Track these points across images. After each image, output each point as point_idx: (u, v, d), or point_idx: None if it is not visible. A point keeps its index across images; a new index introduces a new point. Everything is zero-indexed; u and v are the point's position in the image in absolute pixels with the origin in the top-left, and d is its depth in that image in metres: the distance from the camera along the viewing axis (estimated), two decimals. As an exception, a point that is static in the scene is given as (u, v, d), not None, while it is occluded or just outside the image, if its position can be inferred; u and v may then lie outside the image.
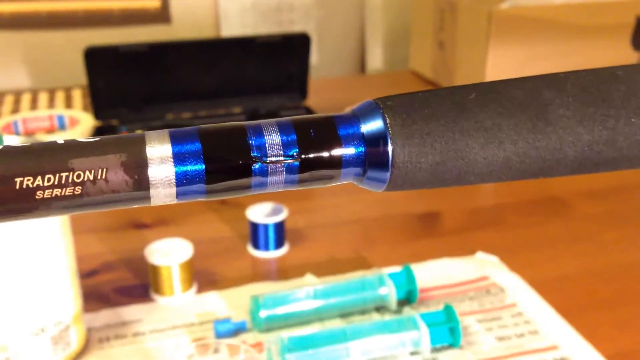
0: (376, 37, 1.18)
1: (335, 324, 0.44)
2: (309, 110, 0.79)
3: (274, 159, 0.15)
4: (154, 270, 0.46)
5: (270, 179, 0.15)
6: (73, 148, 0.14)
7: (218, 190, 0.15)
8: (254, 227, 0.52)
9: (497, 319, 0.44)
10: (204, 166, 0.15)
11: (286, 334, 0.41)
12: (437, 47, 0.92)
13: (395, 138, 0.16)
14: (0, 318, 0.37)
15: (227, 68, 0.79)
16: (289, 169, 0.15)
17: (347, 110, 0.17)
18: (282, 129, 0.15)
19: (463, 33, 0.86)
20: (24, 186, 0.13)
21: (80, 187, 0.14)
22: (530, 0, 0.84)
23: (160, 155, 0.14)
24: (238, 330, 0.43)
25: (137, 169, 0.14)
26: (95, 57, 0.70)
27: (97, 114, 0.75)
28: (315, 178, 0.16)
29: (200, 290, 0.48)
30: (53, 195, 0.13)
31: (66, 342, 0.40)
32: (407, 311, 0.45)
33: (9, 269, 0.36)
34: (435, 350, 0.41)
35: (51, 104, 0.86)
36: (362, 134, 0.16)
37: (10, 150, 0.14)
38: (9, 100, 0.86)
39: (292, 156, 0.15)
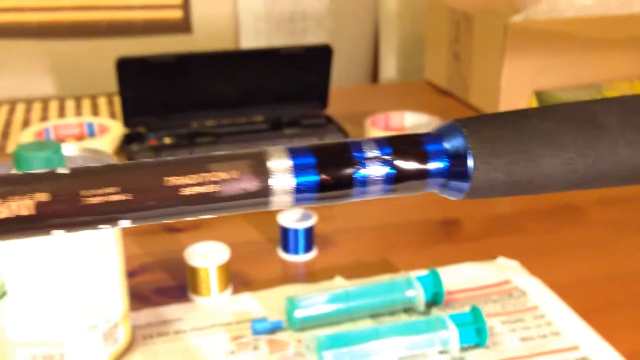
0: (390, 47, 1.20)
1: (366, 324, 0.46)
2: (329, 119, 0.82)
3: (373, 170, 0.18)
4: (193, 271, 0.49)
5: (369, 188, 0.18)
6: (211, 157, 0.17)
7: (326, 197, 0.18)
8: (285, 231, 0.55)
9: (520, 321, 0.47)
10: (318, 177, 0.17)
11: (321, 332, 0.44)
12: (452, 58, 0.95)
13: (474, 153, 0.18)
14: (57, 316, 0.39)
15: (251, 78, 0.81)
16: (386, 180, 0.18)
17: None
18: (379, 145, 0.18)
19: (479, 45, 0.88)
20: (171, 184, 0.16)
21: (216, 186, 0.16)
22: (543, 13, 0.87)
23: (281, 168, 0.17)
24: (274, 329, 0.45)
25: (261, 177, 0.17)
26: (126, 67, 0.73)
27: (126, 122, 0.77)
28: (405, 188, 0.18)
29: (236, 291, 0.50)
30: (193, 191, 0.16)
31: (115, 338, 0.42)
32: (435, 312, 0.47)
33: (68, 270, 0.39)
34: (462, 349, 0.43)
35: (78, 111, 0.89)
36: (446, 150, 0.19)
37: (162, 161, 0.17)
38: (37, 107, 0.89)
39: (389, 168, 0.18)
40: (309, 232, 0.55)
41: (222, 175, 0.16)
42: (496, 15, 0.87)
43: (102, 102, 0.92)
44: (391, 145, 0.18)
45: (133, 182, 0.16)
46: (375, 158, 0.18)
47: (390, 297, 0.47)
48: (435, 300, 0.48)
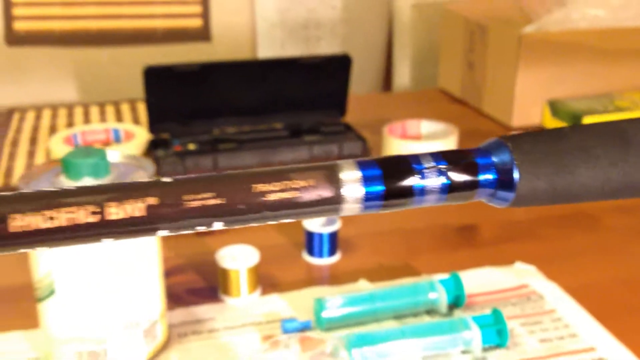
0: (404, 56, 1.23)
1: (390, 325, 0.48)
2: (347, 127, 0.84)
3: (430, 181, 0.20)
4: (224, 273, 0.51)
5: (426, 197, 0.20)
6: (291, 168, 0.19)
7: (390, 205, 0.20)
8: (310, 235, 0.57)
9: (538, 323, 0.49)
10: (384, 187, 0.20)
11: (349, 331, 0.46)
12: (466, 67, 0.97)
13: (519, 166, 0.20)
14: (102, 314, 0.42)
15: (271, 86, 0.83)
16: (441, 190, 0.20)
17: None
18: (435, 158, 0.20)
19: (493, 54, 0.90)
20: (258, 190, 0.18)
21: (296, 192, 0.18)
22: (555, 24, 0.89)
23: (351, 178, 0.19)
24: (304, 328, 0.48)
25: (335, 186, 0.19)
26: (152, 75, 0.76)
27: (151, 128, 0.80)
28: (457, 197, 0.21)
29: (264, 292, 0.52)
30: (277, 197, 0.18)
31: (154, 335, 0.44)
32: (457, 314, 0.49)
33: (112, 271, 0.41)
34: (484, 350, 0.45)
35: (102, 117, 0.91)
36: (494, 163, 0.21)
37: (250, 171, 0.19)
38: (62, 113, 0.92)
39: (444, 179, 0.20)
40: (333, 236, 0.57)
41: (301, 183, 0.19)
42: (510, 25, 0.89)
43: (125, 108, 0.94)
44: (446, 159, 0.20)
45: (226, 189, 0.18)
46: (432, 170, 0.20)
47: (414, 299, 0.49)
48: (456, 302, 0.50)
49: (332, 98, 0.85)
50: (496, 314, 0.46)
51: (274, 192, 0.18)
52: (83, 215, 0.17)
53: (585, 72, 0.89)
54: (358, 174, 0.19)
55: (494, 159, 0.21)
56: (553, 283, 0.53)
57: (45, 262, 0.41)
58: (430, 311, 0.50)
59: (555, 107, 0.87)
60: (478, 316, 0.46)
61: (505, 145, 0.21)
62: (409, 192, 0.20)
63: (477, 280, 0.54)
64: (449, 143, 0.77)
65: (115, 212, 0.17)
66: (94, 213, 0.17)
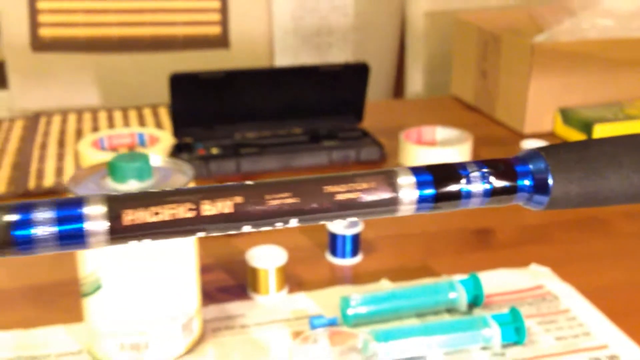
0: (417, 64, 1.26)
1: (413, 322, 0.51)
2: (364, 132, 0.87)
3: (475, 186, 0.22)
4: (253, 272, 0.54)
5: (471, 200, 0.23)
6: (355, 173, 0.22)
7: (439, 207, 0.22)
8: (334, 237, 0.60)
9: (553, 322, 0.51)
10: (435, 191, 0.22)
11: (374, 328, 0.48)
12: (479, 75, 1.00)
13: (553, 172, 0.23)
14: (144, 308, 0.44)
15: (291, 92, 0.86)
16: (484, 194, 0.23)
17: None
18: (479, 166, 0.23)
19: (506, 63, 0.93)
20: (328, 191, 0.21)
21: (360, 193, 0.21)
22: (565, 33, 0.91)
23: (407, 183, 0.22)
24: (330, 325, 0.50)
25: (392, 189, 0.22)
26: (178, 82, 0.78)
27: (175, 132, 0.82)
28: (498, 201, 0.23)
29: (291, 290, 0.55)
30: (344, 197, 0.21)
31: (190, 329, 0.47)
32: (476, 313, 0.52)
33: (154, 268, 0.44)
34: (503, 346, 0.48)
35: (125, 121, 0.94)
36: (531, 170, 0.24)
37: (321, 176, 0.22)
38: (87, 117, 0.95)
39: (487, 184, 0.23)
40: (355, 238, 0.60)
41: (364, 185, 0.21)
42: (522, 34, 0.91)
43: (147, 113, 0.97)
44: (488, 167, 0.23)
45: (301, 189, 0.21)
46: (477, 176, 0.23)
47: (435, 298, 0.52)
48: (475, 302, 0.52)
49: (350, 105, 0.88)
50: (514, 313, 0.48)
51: (341, 192, 0.21)
52: (182, 211, 0.19)
53: (596, 80, 0.92)
54: (412, 179, 0.22)
55: (531, 166, 0.24)
56: (567, 284, 0.56)
57: (92, 260, 0.43)
58: (451, 310, 0.52)
59: (566, 115, 0.89)
60: (497, 314, 0.49)
61: (540, 154, 0.23)
62: (456, 196, 0.22)
63: (494, 281, 0.56)
64: (464, 149, 0.80)
65: (208, 208, 0.20)
66: (190, 209, 0.20)
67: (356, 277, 0.58)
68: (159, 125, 0.93)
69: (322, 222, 0.22)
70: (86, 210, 0.19)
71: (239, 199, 0.20)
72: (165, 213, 0.19)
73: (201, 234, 0.20)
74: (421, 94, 1.25)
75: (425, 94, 1.25)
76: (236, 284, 0.56)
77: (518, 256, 0.60)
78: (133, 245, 0.43)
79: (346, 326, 0.50)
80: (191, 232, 0.20)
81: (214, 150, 0.81)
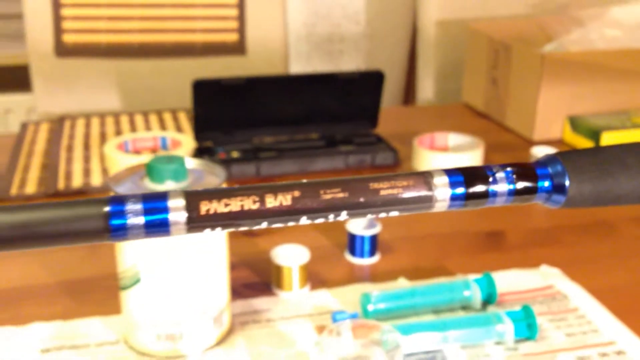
0: (428, 71, 1.28)
1: (429, 318, 0.54)
2: (379, 138, 0.90)
3: (501, 187, 0.25)
4: (278, 269, 0.57)
5: (497, 199, 0.26)
6: (396, 174, 0.25)
7: (469, 204, 0.25)
8: (353, 237, 0.62)
9: (563, 320, 0.54)
10: (465, 190, 0.25)
11: (394, 322, 0.51)
12: (490, 83, 1.03)
13: (570, 176, 0.26)
14: (179, 301, 0.47)
15: (308, 99, 0.89)
16: (509, 193, 0.26)
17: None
18: (504, 168, 0.26)
19: (516, 72, 0.96)
20: (373, 187, 0.24)
21: (401, 189, 0.24)
22: (574, 43, 0.94)
23: (441, 183, 0.25)
24: (352, 319, 0.53)
25: (429, 188, 0.25)
26: (201, 88, 0.81)
27: (197, 136, 0.85)
28: (520, 200, 0.26)
29: (313, 287, 0.58)
30: (387, 192, 0.24)
31: (221, 322, 0.50)
32: (490, 310, 0.54)
33: (188, 264, 0.47)
34: (516, 341, 0.51)
35: (146, 125, 0.97)
36: (550, 173, 0.27)
37: (366, 175, 0.25)
38: (110, 121, 0.98)
39: (511, 185, 0.26)
40: (373, 238, 0.62)
41: (404, 183, 0.24)
42: (531, 44, 0.94)
43: (167, 117, 1.00)
44: (513, 169, 0.26)
45: (350, 186, 0.24)
46: (502, 178, 0.26)
47: (450, 295, 0.55)
48: (488, 300, 0.55)
49: (365, 111, 0.91)
50: (526, 310, 0.51)
51: (385, 189, 0.24)
52: (249, 203, 0.22)
53: (604, 89, 0.94)
54: (446, 179, 0.25)
55: (550, 169, 0.27)
56: (576, 284, 0.58)
57: (131, 255, 0.46)
58: (465, 307, 0.55)
59: (575, 123, 0.92)
60: (510, 311, 0.51)
61: (558, 159, 0.26)
62: (484, 195, 0.25)
63: (507, 281, 0.59)
64: (476, 155, 0.83)
65: (271, 201, 0.23)
66: (255, 202, 0.23)
67: (374, 276, 0.61)
68: (179, 129, 0.96)
69: (368, 215, 0.24)
70: (170, 203, 0.22)
71: (297, 193, 0.23)
72: (235, 204, 0.22)
73: (264, 224, 0.23)
74: (432, 101, 1.28)
75: (436, 101, 1.28)
76: (261, 281, 0.59)
77: (529, 258, 0.63)
78: (167, 241, 0.46)
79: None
80: (255, 223, 0.23)
81: (234, 154, 0.84)
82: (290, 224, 0.23)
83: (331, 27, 1.38)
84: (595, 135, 0.88)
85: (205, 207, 0.22)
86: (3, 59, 1.55)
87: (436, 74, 1.28)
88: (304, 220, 0.24)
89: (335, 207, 0.23)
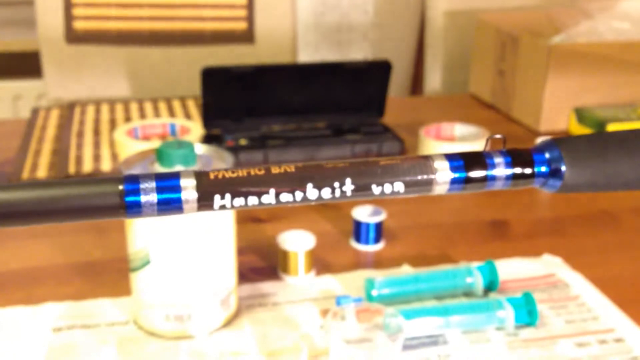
0: (436, 62, 1.29)
1: (432, 304, 0.55)
2: (385, 128, 0.90)
3: (499, 172, 0.26)
4: (284, 254, 0.58)
5: (495, 182, 0.26)
6: (401, 157, 0.26)
7: (468, 187, 0.26)
8: (358, 224, 0.63)
9: (564, 307, 0.55)
10: (465, 174, 0.26)
11: (398, 307, 0.52)
12: (497, 74, 1.03)
13: (566, 161, 0.27)
14: (188, 283, 0.49)
15: (316, 88, 0.90)
16: (507, 178, 0.27)
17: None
18: (503, 155, 0.27)
19: (523, 63, 0.96)
20: (375, 160, 0.25)
21: (400, 162, 0.25)
22: (582, 35, 0.94)
23: (442, 167, 0.26)
24: (356, 304, 0.54)
25: (430, 171, 0.26)
26: (210, 75, 0.82)
27: (205, 124, 0.86)
28: (518, 184, 0.27)
29: (318, 273, 0.59)
30: (388, 162, 0.25)
31: (228, 304, 0.51)
32: (491, 297, 0.55)
33: (197, 246, 0.48)
34: (516, 327, 0.52)
35: (156, 112, 0.98)
36: (547, 158, 0.27)
37: (372, 159, 0.26)
38: (119, 108, 0.99)
39: (509, 170, 0.27)
40: (378, 226, 0.63)
41: (408, 164, 0.25)
42: (539, 36, 0.95)
43: (176, 104, 1.01)
44: (511, 155, 0.27)
45: (354, 162, 0.25)
46: (501, 163, 0.27)
47: (453, 282, 0.56)
48: (490, 287, 0.56)
49: (372, 100, 0.92)
50: (527, 297, 0.52)
51: (386, 162, 0.25)
52: (254, 170, 0.24)
53: (611, 81, 0.95)
54: (447, 164, 0.26)
55: (547, 155, 0.27)
56: (577, 273, 0.59)
57: (142, 237, 0.48)
58: (467, 293, 0.56)
59: (581, 114, 0.92)
60: (511, 298, 0.52)
61: (556, 144, 0.27)
62: (483, 179, 0.26)
63: (509, 269, 0.60)
64: (481, 145, 0.83)
65: (275, 169, 0.24)
66: (260, 169, 0.24)
67: (378, 263, 0.62)
68: (187, 116, 0.97)
69: (373, 192, 0.26)
70: (182, 182, 0.23)
71: (300, 164, 0.24)
72: (242, 172, 0.24)
73: (272, 191, 0.24)
74: (439, 91, 1.29)
75: (443, 92, 1.28)
76: (267, 265, 0.60)
77: (531, 247, 0.64)
78: (177, 224, 0.47)
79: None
80: (264, 192, 0.24)
81: (242, 142, 0.85)
82: (298, 197, 0.24)
83: (340, 17, 1.38)
84: (601, 126, 0.89)
85: (213, 174, 0.23)
86: (14, 45, 1.57)
87: (444, 64, 1.28)
88: (310, 191, 0.25)
89: (338, 176, 0.25)
